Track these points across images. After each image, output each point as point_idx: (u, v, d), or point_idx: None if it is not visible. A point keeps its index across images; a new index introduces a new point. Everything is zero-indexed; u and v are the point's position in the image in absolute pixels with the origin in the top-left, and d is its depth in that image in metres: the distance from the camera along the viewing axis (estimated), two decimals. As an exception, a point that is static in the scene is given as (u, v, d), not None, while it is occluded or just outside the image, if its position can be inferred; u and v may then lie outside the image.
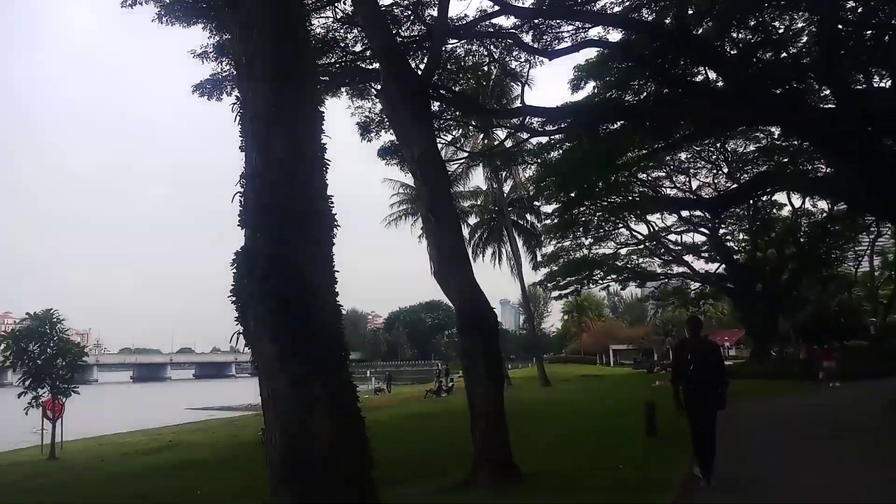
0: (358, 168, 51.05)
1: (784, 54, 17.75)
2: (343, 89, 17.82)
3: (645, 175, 33.50)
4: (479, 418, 9.15)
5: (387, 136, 19.22)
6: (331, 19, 16.00)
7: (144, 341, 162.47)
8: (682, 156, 31.70)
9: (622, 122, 18.87)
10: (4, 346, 17.55)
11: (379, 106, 18.82)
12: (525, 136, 21.09)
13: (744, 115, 18.62)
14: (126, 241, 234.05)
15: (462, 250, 10.69)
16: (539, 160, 24.00)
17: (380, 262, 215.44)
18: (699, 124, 20.97)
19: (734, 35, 17.79)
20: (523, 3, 16.77)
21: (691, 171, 34.77)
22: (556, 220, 36.90)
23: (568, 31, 17.28)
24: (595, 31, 17.56)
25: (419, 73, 12.28)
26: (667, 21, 17.08)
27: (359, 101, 18.45)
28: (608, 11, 16.74)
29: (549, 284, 46.23)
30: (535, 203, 40.05)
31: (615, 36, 18.35)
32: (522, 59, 18.43)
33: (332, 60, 17.18)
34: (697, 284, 45.83)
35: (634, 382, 36.67)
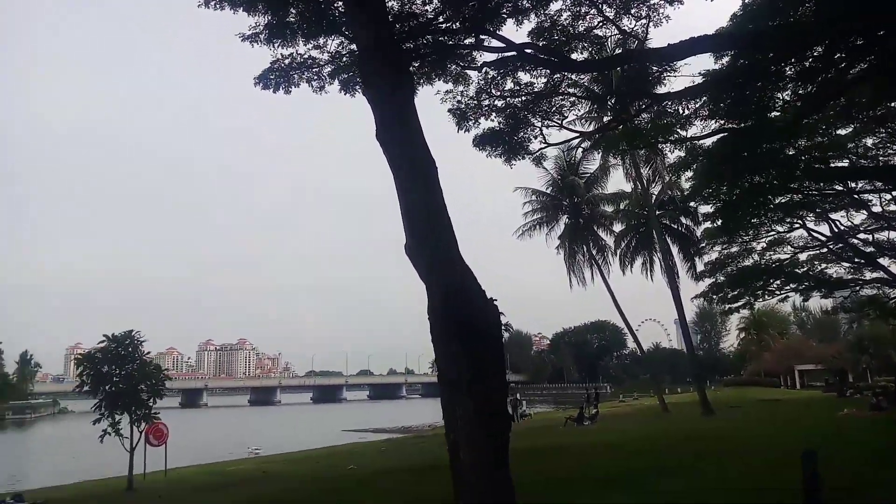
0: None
1: None
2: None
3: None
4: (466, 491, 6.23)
5: (486, 123, 16.04)
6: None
7: (330, 364, 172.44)
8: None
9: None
10: (81, 369, 16.66)
11: (473, 88, 15.80)
12: (668, 105, 16.39)
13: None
14: (311, 272, 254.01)
15: (440, 211, 7.63)
16: (687, 142, 19.33)
17: (545, 281, 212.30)
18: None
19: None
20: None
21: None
22: (718, 223, 31.29)
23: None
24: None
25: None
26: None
27: (445, 81, 15.41)
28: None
29: (714, 297, 39.99)
30: (690, 204, 34.55)
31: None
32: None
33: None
34: (898, 291, 37.29)
35: (818, 409, 32.42)
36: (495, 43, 14.76)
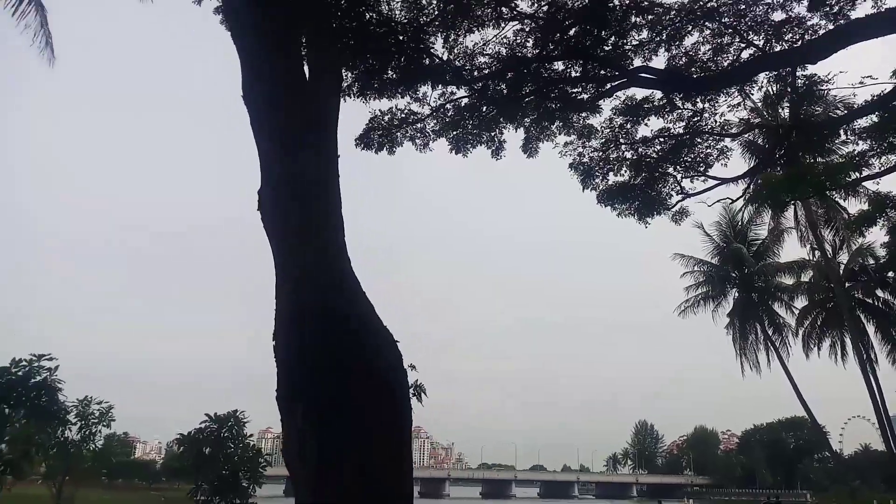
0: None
1: None
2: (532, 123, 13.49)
3: None
4: None
5: (615, 177, 14.13)
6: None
7: (499, 456, 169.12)
8: None
9: None
10: (182, 450, 16.27)
11: (595, 142, 13.97)
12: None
13: None
14: (481, 358, 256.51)
15: (325, 181, 5.69)
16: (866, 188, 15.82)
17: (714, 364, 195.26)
18: None
19: None
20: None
21: None
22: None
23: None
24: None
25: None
26: None
27: (568, 135, 13.83)
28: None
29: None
30: (888, 275, 29.12)
31: None
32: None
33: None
34: None
35: None
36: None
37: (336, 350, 4.61)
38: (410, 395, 5.15)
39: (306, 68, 6.70)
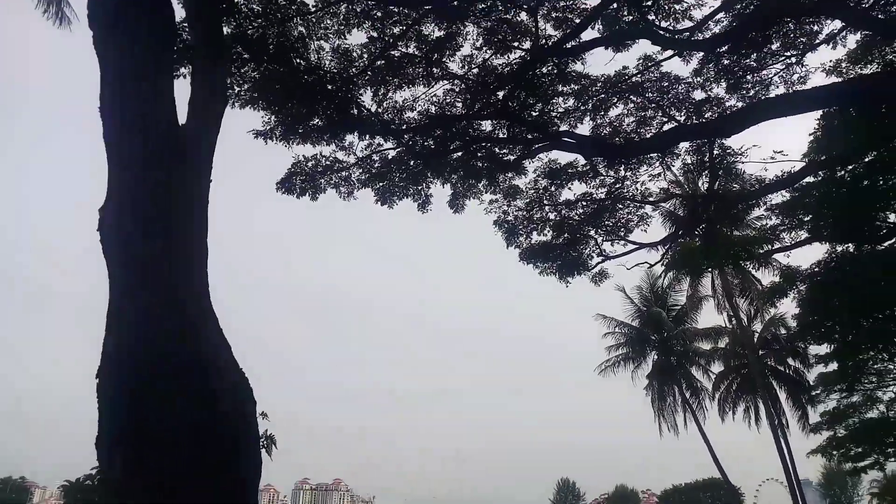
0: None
1: None
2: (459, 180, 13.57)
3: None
4: None
5: (538, 237, 14.30)
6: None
7: None
8: None
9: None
10: None
11: (520, 202, 14.18)
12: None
13: None
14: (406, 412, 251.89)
15: (187, 206, 5.19)
16: (785, 269, 16.58)
17: (629, 424, 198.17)
18: None
19: None
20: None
21: None
22: (834, 367, 27.01)
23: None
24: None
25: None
26: None
27: (490, 193, 13.95)
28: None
29: (833, 453, 34.10)
30: (799, 344, 30.44)
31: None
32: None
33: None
34: None
35: None
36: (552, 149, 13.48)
37: (173, 393, 4.20)
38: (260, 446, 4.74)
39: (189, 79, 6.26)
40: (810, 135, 13.54)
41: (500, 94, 12.21)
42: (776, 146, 13.26)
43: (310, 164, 12.12)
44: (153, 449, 4.01)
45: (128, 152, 5.12)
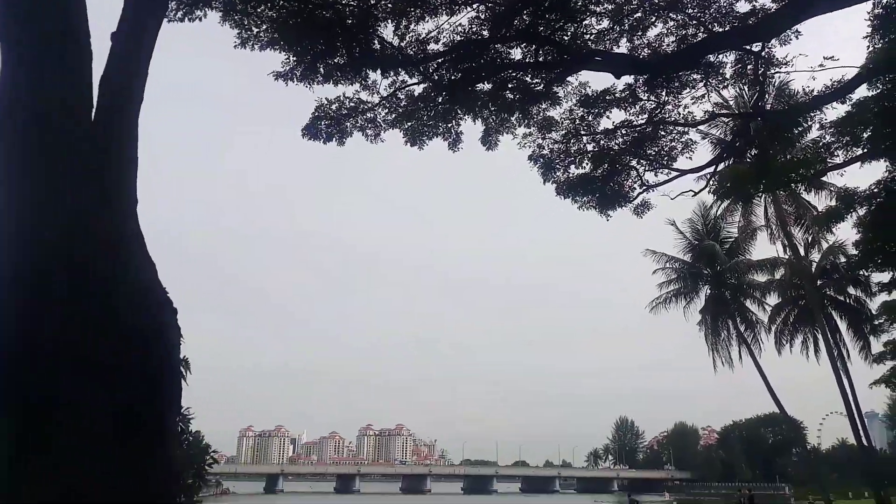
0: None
1: None
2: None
3: None
4: None
5: (576, 170, 13.71)
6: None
7: (482, 453, 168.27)
8: None
9: None
10: None
11: (555, 134, 13.52)
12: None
13: None
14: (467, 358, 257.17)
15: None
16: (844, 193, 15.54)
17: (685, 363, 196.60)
18: None
19: None
20: None
21: None
22: (897, 294, 25.80)
23: None
24: None
25: None
26: None
27: (524, 127, 13.33)
28: None
29: (897, 383, 33.10)
30: (860, 272, 29.06)
31: None
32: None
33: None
34: None
35: None
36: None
37: (78, 308, 3.68)
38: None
39: None
40: (865, 36, 12.36)
41: (529, 18, 11.51)
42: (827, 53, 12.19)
43: (334, 106, 11.74)
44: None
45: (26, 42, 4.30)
